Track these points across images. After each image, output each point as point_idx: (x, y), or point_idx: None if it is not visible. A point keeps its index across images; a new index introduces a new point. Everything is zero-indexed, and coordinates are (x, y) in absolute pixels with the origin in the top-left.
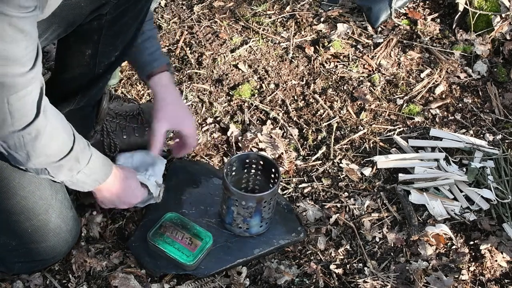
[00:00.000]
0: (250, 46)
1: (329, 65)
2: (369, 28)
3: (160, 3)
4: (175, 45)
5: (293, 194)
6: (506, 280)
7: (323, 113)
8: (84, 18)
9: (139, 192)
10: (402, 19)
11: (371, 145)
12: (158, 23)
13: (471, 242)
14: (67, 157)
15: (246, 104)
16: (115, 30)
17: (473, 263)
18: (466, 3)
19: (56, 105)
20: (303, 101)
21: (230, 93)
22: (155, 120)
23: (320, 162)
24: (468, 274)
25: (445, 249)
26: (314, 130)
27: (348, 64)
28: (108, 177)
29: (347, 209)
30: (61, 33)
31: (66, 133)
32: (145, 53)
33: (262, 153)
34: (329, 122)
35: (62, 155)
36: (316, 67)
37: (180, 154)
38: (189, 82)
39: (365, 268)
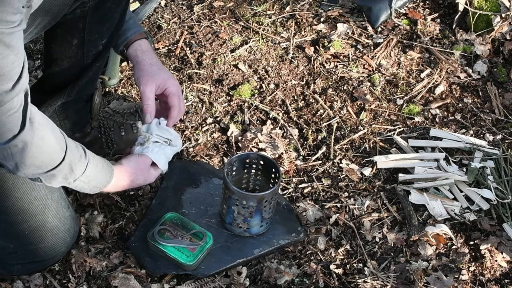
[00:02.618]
0: (250, 46)
1: (329, 65)
2: (369, 28)
3: (160, 3)
4: (175, 45)
5: (293, 194)
6: (506, 280)
7: (323, 113)
8: (68, 8)
9: (152, 174)
10: (402, 19)
11: (371, 145)
12: (158, 23)
13: (471, 242)
14: (58, 167)
15: (246, 104)
16: (99, 16)
17: (473, 263)
18: (466, 3)
19: (47, 98)
20: (303, 101)
21: (230, 93)
22: (142, 84)
23: (320, 162)
24: (468, 274)
25: (445, 249)
26: (314, 130)
27: (348, 64)
28: (109, 183)
29: (347, 209)
30: (46, 26)
31: (57, 143)
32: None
33: (262, 153)
34: (329, 122)
35: (53, 165)
36: (316, 67)
37: (169, 121)
38: (189, 82)
39: (365, 268)
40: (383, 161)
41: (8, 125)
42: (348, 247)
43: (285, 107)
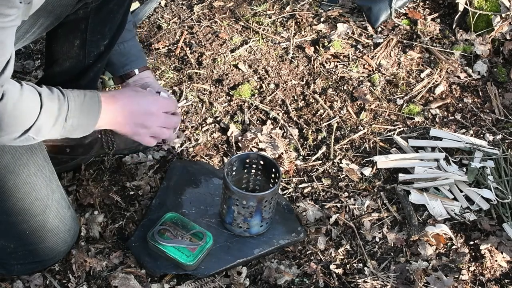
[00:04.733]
0: (250, 46)
1: (329, 65)
2: (369, 28)
3: (160, 3)
4: (175, 45)
5: (293, 194)
6: (506, 280)
7: (323, 113)
8: (71, 9)
9: (151, 98)
10: (402, 19)
11: (371, 145)
12: (158, 23)
13: (471, 242)
14: (40, 117)
15: (246, 104)
16: (102, 17)
17: (473, 263)
18: (466, 3)
19: None
20: (303, 101)
21: (230, 93)
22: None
23: (320, 162)
24: (468, 274)
25: (445, 249)
26: (314, 130)
27: (348, 64)
28: (101, 106)
29: (347, 209)
30: (49, 26)
31: (30, 100)
32: (137, 48)
33: (262, 153)
34: (329, 122)
35: (34, 118)
36: (316, 67)
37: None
38: (189, 82)
39: (365, 268)
40: (383, 161)
41: None
42: (348, 247)
43: (285, 107)
